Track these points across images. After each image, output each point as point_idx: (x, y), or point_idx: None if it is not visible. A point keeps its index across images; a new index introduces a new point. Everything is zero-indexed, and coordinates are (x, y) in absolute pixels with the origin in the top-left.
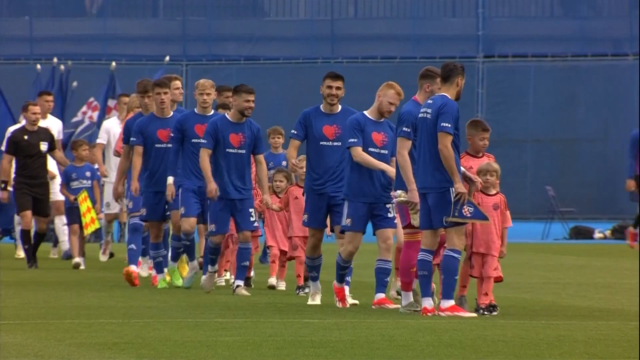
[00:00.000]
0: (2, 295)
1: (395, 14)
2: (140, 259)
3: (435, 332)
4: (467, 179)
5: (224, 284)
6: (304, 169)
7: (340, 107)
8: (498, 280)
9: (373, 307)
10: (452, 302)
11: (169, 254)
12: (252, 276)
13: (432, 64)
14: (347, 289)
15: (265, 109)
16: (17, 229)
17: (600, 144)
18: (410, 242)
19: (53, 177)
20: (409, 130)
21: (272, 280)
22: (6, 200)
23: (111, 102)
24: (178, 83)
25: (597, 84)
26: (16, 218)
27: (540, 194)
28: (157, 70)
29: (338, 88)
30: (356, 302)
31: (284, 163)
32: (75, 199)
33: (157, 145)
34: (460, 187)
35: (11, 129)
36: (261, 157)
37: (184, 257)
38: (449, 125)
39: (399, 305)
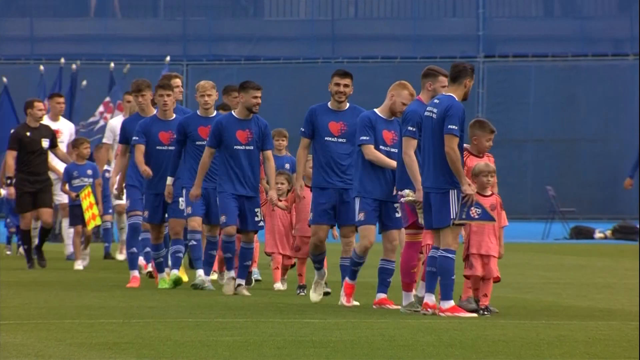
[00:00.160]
0: (2, 295)
1: (395, 14)
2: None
3: (436, 332)
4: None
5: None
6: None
7: (348, 104)
8: (496, 280)
9: (374, 307)
10: (452, 303)
11: (169, 260)
12: (257, 277)
13: (433, 64)
14: None
15: (266, 109)
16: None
17: (600, 143)
18: (412, 242)
19: (59, 175)
20: (414, 129)
21: (278, 286)
22: (13, 197)
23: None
24: (178, 81)
25: (597, 84)
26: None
27: (540, 194)
28: (158, 71)
29: (346, 85)
30: (357, 303)
31: (287, 166)
32: (77, 196)
33: (158, 148)
34: (467, 188)
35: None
36: (269, 153)
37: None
38: (456, 128)
39: (399, 306)
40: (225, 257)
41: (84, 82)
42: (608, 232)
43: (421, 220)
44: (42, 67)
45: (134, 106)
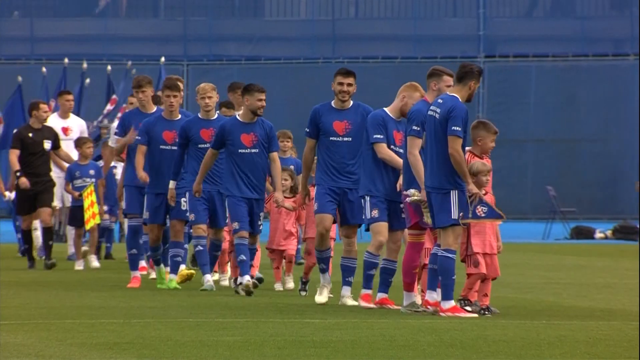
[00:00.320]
0: (3, 295)
1: (396, 14)
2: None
3: (437, 332)
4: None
5: (227, 283)
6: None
7: (351, 102)
8: (494, 277)
9: (375, 306)
10: (452, 303)
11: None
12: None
13: (433, 64)
14: (349, 289)
15: (266, 109)
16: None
17: (601, 143)
18: (414, 243)
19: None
20: (418, 129)
21: (278, 286)
22: (26, 185)
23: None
24: (181, 85)
25: (598, 84)
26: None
27: (541, 194)
28: (157, 71)
29: (349, 84)
30: (357, 303)
31: (291, 167)
32: (80, 195)
33: (161, 147)
34: (473, 187)
35: None
36: (275, 155)
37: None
38: (460, 129)
39: (400, 306)
40: (239, 261)
41: (87, 80)
42: (608, 232)
43: (427, 220)
44: (44, 69)
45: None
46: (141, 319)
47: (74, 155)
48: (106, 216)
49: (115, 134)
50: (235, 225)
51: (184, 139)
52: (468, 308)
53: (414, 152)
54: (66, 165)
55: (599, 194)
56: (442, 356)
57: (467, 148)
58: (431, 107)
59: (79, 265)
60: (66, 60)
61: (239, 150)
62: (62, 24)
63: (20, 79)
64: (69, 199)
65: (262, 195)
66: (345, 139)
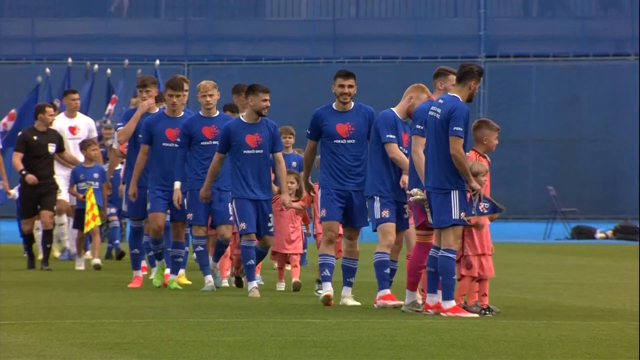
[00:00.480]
0: (3, 295)
1: (397, 14)
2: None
3: (437, 332)
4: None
5: (227, 284)
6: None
7: (353, 104)
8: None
9: (375, 305)
10: (453, 303)
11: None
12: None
13: (434, 64)
14: (349, 289)
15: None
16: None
17: (601, 143)
18: (422, 243)
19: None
20: (422, 127)
21: (280, 286)
22: (34, 180)
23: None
24: (186, 85)
25: (598, 84)
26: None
27: (541, 194)
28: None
29: (350, 86)
30: (358, 303)
31: (294, 164)
32: (84, 197)
33: (164, 144)
34: (475, 185)
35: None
36: (279, 155)
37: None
38: (461, 129)
39: (402, 302)
40: (247, 265)
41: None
42: (609, 232)
43: (430, 219)
44: (48, 70)
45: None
46: (142, 319)
47: (81, 157)
48: (114, 218)
49: (116, 128)
50: (243, 225)
51: (186, 137)
52: (493, 307)
53: (418, 151)
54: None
55: (599, 194)
56: (443, 356)
57: (473, 148)
58: (432, 108)
59: (79, 265)
60: (70, 60)
61: (244, 151)
62: (63, 24)
63: (39, 78)
64: (73, 200)
65: (269, 195)
66: (349, 141)
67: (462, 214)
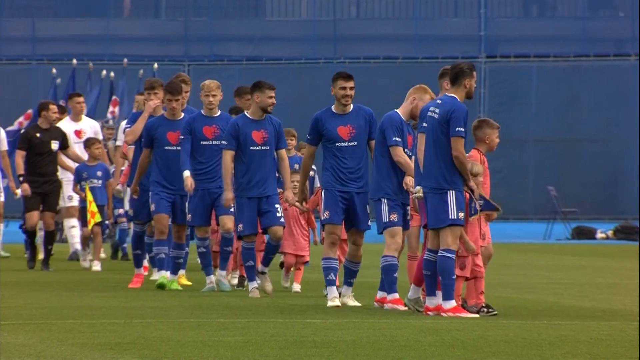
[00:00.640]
0: (4, 296)
1: (397, 14)
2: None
3: (438, 333)
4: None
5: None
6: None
7: (352, 106)
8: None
9: (375, 304)
10: (453, 303)
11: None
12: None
13: (435, 65)
14: (350, 289)
15: None
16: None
17: (602, 144)
18: None
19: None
20: (426, 125)
21: (296, 287)
22: (27, 192)
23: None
24: (185, 87)
25: (599, 84)
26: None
27: (542, 194)
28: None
29: (351, 88)
30: (358, 303)
31: (296, 166)
32: (85, 195)
33: (166, 147)
34: (472, 184)
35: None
36: (283, 152)
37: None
38: (462, 129)
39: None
40: (247, 267)
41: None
42: (610, 233)
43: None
44: (54, 70)
45: (141, 106)
46: (142, 319)
47: (85, 157)
48: (123, 220)
49: (124, 130)
50: (240, 227)
51: (189, 132)
52: (489, 305)
53: (423, 149)
54: (72, 166)
55: (600, 194)
56: (444, 356)
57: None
58: (430, 108)
59: (84, 262)
60: (74, 61)
61: (250, 148)
62: (64, 24)
63: (59, 80)
64: (75, 199)
65: (274, 191)
66: (351, 143)
67: (460, 215)
